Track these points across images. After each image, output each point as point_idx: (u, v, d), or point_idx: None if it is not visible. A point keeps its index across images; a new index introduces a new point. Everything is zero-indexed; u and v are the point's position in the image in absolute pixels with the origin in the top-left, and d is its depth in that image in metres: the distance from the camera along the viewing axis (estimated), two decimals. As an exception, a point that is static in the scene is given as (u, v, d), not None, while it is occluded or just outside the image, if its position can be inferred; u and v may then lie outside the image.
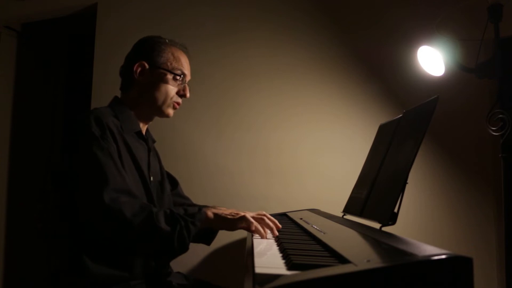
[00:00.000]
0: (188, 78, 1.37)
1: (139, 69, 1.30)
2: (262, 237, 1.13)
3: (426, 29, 1.76)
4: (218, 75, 2.24)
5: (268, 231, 1.17)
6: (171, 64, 1.32)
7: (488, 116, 1.45)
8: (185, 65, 1.35)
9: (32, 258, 2.90)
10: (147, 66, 1.30)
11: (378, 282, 0.55)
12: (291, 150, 2.09)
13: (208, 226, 1.15)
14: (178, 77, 1.32)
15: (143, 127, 1.36)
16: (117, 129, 1.20)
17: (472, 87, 1.80)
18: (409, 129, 1.14)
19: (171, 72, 1.31)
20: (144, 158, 1.29)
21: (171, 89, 1.31)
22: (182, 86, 1.34)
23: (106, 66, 2.42)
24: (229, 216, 1.15)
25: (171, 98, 1.32)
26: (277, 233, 1.17)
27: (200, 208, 1.16)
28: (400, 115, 1.29)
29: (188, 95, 1.35)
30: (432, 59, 1.60)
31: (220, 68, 2.23)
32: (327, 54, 2.10)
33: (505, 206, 1.43)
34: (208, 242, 1.39)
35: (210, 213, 1.14)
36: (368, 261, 0.62)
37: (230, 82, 2.21)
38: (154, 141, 1.44)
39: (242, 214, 1.16)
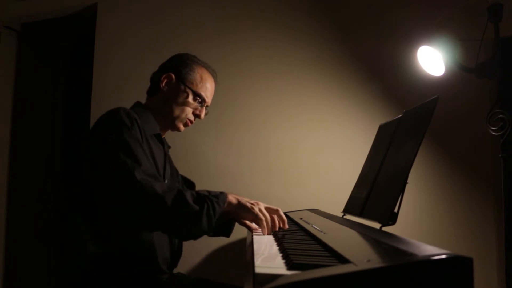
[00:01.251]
0: (208, 102, 1.44)
1: (165, 80, 1.38)
2: (264, 233, 1.15)
3: (426, 29, 1.76)
4: (218, 75, 2.22)
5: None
6: (196, 84, 1.39)
7: (488, 116, 1.45)
8: (208, 90, 1.42)
9: (32, 258, 2.90)
10: (174, 79, 1.38)
11: (378, 282, 0.55)
12: (291, 150, 2.09)
13: (228, 209, 1.15)
14: (198, 98, 1.39)
15: (162, 133, 1.42)
16: (142, 126, 1.24)
17: (472, 87, 1.80)
18: (409, 129, 1.14)
19: (194, 92, 1.38)
20: (160, 160, 1.34)
21: (189, 106, 1.38)
22: (200, 107, 1.41)
23: (106, 66, 2.43)
24: (248, 205, 1.17)
25: (186, 115, 1.39)
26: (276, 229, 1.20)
27: (222, 192, 1.17)
28: (400, 115, 1.29)
29: (202, 117, 1.43)
30: (432, 59, 1.60)
31: (220, 68, 2.22)
32: (327, 54, 2.10)
33: (505, 206, 1.43)
34: (227, 234, 1.41)
35: (231, 197, 1.17)
36: (368, 261, 0.62)
37: (230, 82, 2.21)
38: (169, 147, 1.47)
39: (257, 207, 1.18)
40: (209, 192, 1.14)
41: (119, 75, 2.38)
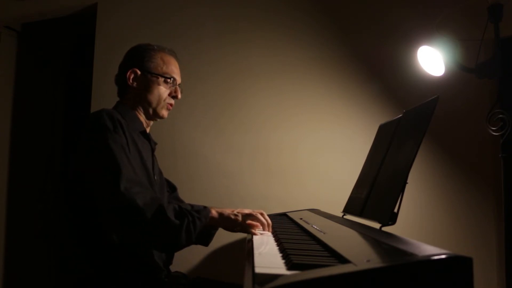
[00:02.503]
0: (178, 80, 1.43)
1: (132, 76, 1.38)
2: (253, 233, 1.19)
3: (426, 29, 1.76)
4: (218, 75, 2.24)
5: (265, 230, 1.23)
6: (161, 68, 1.39)
7: (488, 116, 1.45)
8: (174, 69, 1.42)
9: (32, 258, 2.90)
10: (139, 72, 1.38)
11: (378, 282, 0.55)
12: (291, 150, 2.09)
13: (212, 224, 1.20)
14: (168, 80, 1.39)
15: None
16: (125, 126, 1.24)
17: (472, 87, 1.80)
18: (409, 129, 1.14)
19: (162, 76, 1.38)
20: (148, 157, 1.35)
21: (163, 91, 1.38)
22: (173, 88, 1.41)
23: (106, 66, 2.42)
24: (232, 216, 1.21)
25: (164, 100, 1.39)
26: (270, 230, 1.22)
27: (205, 206, 1.21)
28: (400, 115, 1.29)
29: (179, 96, 1.43)
30: (432, 59, 1.60)
31: (220, 68, 2.24)
32: (327, 54, 2.10)
33: (505, 206, 1.43)
34: (206, 243, 1.42)
35: (214, 212, 1.20)
36: (368, 261, 0.62)
37: (230, 83, 2.21)
38: (155, 143, 1.47)
39: (243, 213, 1.21)
40: (192, 206, 1.18)
41: (119, 75, 2.38)
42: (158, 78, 1.37)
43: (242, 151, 2.15)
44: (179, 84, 1.44)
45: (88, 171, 1.16)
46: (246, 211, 1.24)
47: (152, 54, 1.40)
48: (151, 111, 1.39)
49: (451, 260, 0.56)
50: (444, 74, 1.62)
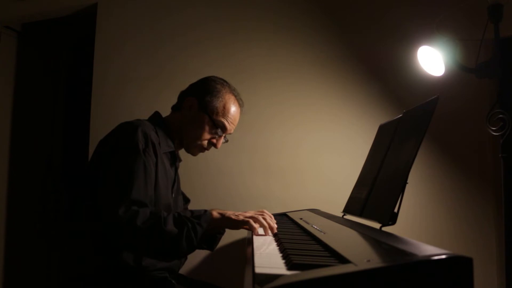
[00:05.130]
0: (229, 132, 1.39)
1: (188, 103, 1.36)
2: (266, 233, 1.19)
3: (426, 29, 1.76)
4: (218, 75, 2.22)
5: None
6: (217, 113, 1.35)
7: (488, 116, 1.45)
8: (230, 119, 1.38)
9: (32, 258, 2.90)
10: (196, 104, 1.35)
11: (378, 282, 0.55)
12: (291, 150, 2.09)
13: (215, 226, 1.21)
14: (217, 129, 1.36)
15: (176, 150, 1.41)
16: (157, 145, 1.24)
17: (472, 87, 1.80)
18: (409, 129, 1.14)
19: (213, 122, 1.34)
20: (171, 176, 1.35)
21: (205, 135, 1.35)
22: (217, 136, 1.38)
23: (106, 66, 2.42)
24: (233, 217, 1.21)
25: (201, 143, 1.36)
26: (269, 233, 1.21)
27: (206, 210, 1.22)
28: (400, 115, 1.29)
29: (218, 147, 1.39)
30: (432, 59, 1.60)
31: (220, 69, 2.23)
32: (327, 54, 2.10)
33: (505, 206, 1.43)
34: (211, 248, 1.41)
35: (215, 213, 1.21)
36: (368, 261, 0.62)
37: (230, 83, 2.20)
38: (180, 160, 1.47)
39: (245, 216, 1.22)
40: (192, 212, 1.18)
41: (119, 75, 2.38)
42: (208, 121, 1.34)
43: (242, 151, 2.15)
44: (227, 134, 1.40)
45: (103, 181, 1.16)
46: (248, 214, 1.23)
47: (219, 95, 1.36)
48: (184, 144, 1.38)
49: (451, 260, 0.57)
50: (444, 74, 1.62)
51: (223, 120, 1.36)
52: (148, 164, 1.17)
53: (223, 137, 1.39)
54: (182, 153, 1.45)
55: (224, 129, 1.37)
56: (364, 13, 2.07)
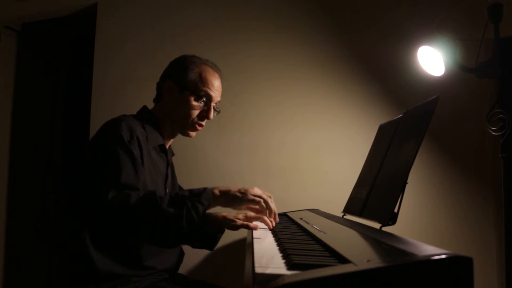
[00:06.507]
0: (215, 99, 1.36)
1: (166, 88, 1.34)
2: (269, 226, 1.16)
3: (426, 29, 1.76)
4: (218, 75, 2.23)
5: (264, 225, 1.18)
6: (196, 84, 1.32)
7: (488, 116, 1.45)
8: (212, 86, 1.34)
9: (32, 258, 2.90)
10: (174, 85, 1.33)
11: (378, 282, 0.55)
12: (291, 150, 2.09)
13: (215, 205, 1.14)
14: (202, 99, 1.32)
15: (167, 142, 1.38)
16: (143, 139, 1.23)
17: (472, 87, 1.80)
18: (409, 129, 1.14)
19: (195, 93, 1.31)
20: (163, 170, 1.33)
21: (193, 111, 1.31)
22: (206, 107, 1.34)
23: (106, 66, 2.42)
24: (238, 194, 1.13)
25: (192, 120, 1.32)
26: (272, 224, 1.17)
27: (206, 187, 1.13)
28: (400, 115, 1.29)
29: (211, 117, 1.34)
30: (432, 59, 1.60)
31: (220, 69, 2.23)
32: (327, 54, 2.10)
33: (505, 206, 1.43)
34: (211, 247, 1.38)
35: (216, 191, 1.12)
36: (368, 261, 0.62)
37: (230, 83, 2.20)
38: (173, 154, 1.46)
39: (251, 190, 1.15)
40: (191, 191, 1.10)
41: (119, 75, 2.38)
42: (190, 94, 1.30)
43: (242, 151, 2.15)
44: (216, 103, 1.36)
45: (91, 175, 1.14)
46: (256, 192, 1.16)
47: (192, 67, 1.33)
48: (176, 128, 1.35)
49: (451, 260, 0.57)
50: (444, 74, 1.62)
51: (205, 89, 1.32)
52: (136, 153, 1.15)
53: (212, 107, 1.34)
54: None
55: (209, 97, 1.33)
56: (364, 13, 2.07)
